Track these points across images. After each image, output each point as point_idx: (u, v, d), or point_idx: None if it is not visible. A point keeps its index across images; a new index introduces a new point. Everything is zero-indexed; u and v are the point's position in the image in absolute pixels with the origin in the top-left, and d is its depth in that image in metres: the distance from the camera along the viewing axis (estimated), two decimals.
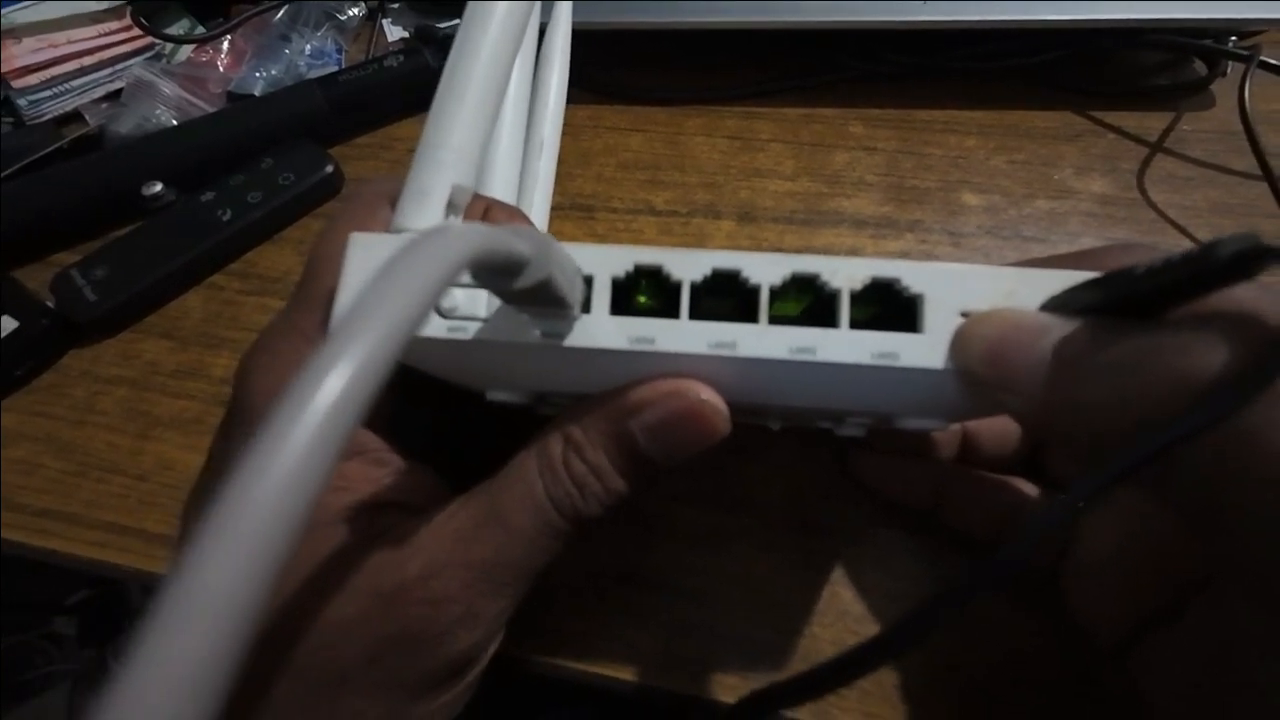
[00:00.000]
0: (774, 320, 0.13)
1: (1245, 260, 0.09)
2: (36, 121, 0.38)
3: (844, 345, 0.13)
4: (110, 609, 0.92)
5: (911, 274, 0.13)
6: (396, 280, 0.07)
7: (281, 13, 0.40)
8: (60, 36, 0.39)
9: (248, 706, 0.14)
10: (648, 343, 0.13)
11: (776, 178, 0.32)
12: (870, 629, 0.20)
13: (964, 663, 0.19)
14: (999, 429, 0.21)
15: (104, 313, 0.28)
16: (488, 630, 0.16)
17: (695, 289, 0.13)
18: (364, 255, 0.14)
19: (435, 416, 0.19)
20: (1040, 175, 0.31)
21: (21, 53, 0.38)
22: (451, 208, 0.15)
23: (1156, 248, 0.14)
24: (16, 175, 0.33)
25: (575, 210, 0.31)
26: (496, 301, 0.13)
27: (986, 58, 0.34)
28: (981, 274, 0.13)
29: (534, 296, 0.11)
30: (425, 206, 0.15)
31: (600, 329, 0.13)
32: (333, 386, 0.07)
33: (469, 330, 0.13)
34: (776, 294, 0.13)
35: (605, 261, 0.13)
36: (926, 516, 0.21)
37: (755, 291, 0.13)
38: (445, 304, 0.13)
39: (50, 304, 0.28)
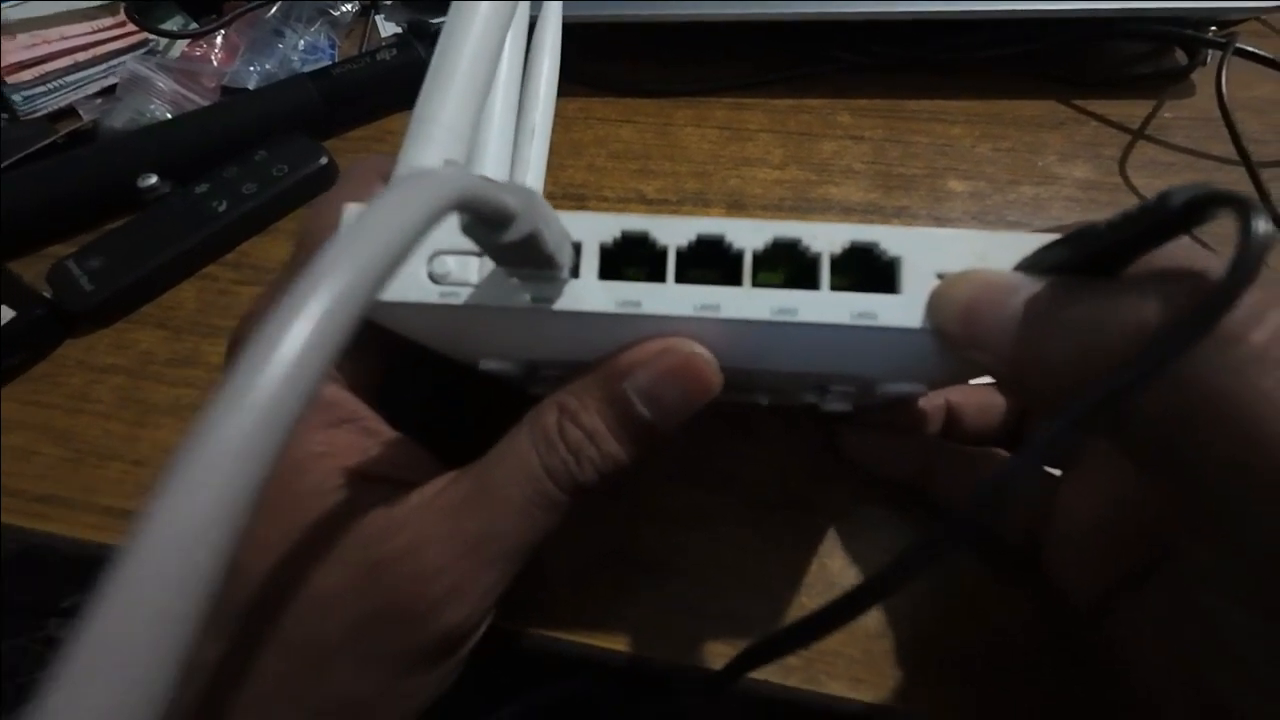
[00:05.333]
0: (758, 285, 0.13)
1: (1197, 206, 0.10)
2: (31, 117, 0.38)
3: (825, 306, 0.13)
4: None
5: (889, 238, 0.13)
6: (380, 215, 0.07)
7: (275, 8, 0.40)
8: (54, 33, 0.40)
9: (232, 678, 0.14)
10: (635, 305, 0.13)
11: (765, 166, 0.32)
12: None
13: (947, 635, 0.20)
14: (982, 403, 0.21)
15: (99, 303, 0.28)
16: (477, 605, 0.15)
17: (681, 256, 0.13)
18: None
19: (428, 393, 0.20)
20: (1025, 162, 0.31)
21: (15, 49, 0.39)
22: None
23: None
24: (12, 169, 0.33)
25: (567, 199, 0.32)
26: (487, 269, 0.14)
27: (972, 48, 0.34)
28: (956, 237, 0.13)
29: (523, 255, 0.11)
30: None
31: (589, 293, 0.13)
32: (313, 311, 0.06)
33: (461, 295, 0.13)
34: (760, 260, 0.13)
35: (593, 228, 0.14)
36: (912, 491, 0.21)
37: (739, 257, 0.13)
38: (438, 270, 0.14)
39: (47, 294, 0.28)
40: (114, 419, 0.26)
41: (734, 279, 0.13)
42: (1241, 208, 0.10)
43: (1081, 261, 0.12)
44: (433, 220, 0.08)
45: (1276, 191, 0.28)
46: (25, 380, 0.27)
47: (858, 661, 0.20)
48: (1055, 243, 0.12)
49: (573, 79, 0.37)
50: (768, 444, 0.23)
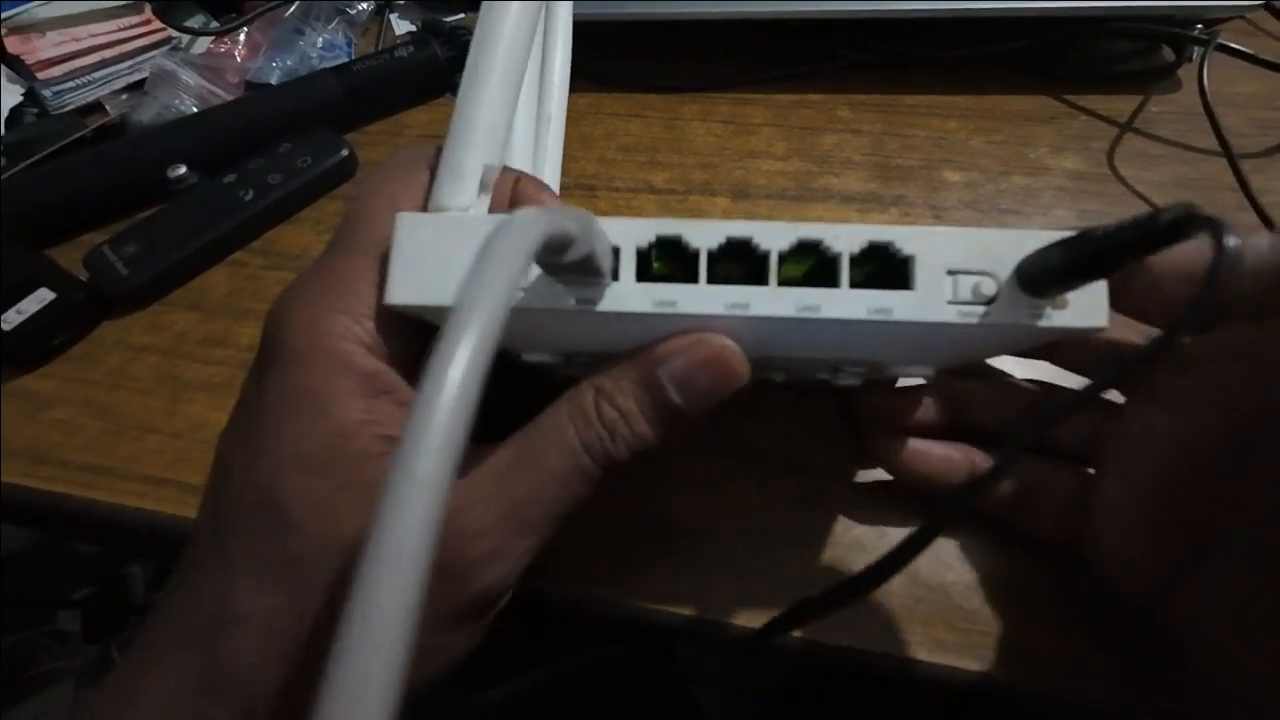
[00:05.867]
0: (782, 282, 0.14)
1: (1182, 225, 0.12)
2: (60, 112, 0.40)
3: (845, 303, 0.14)
4: (114, 605, 0.92)
5: (903, 238, 0.14)
6: (492, 268, 0.10)
7: (294, 7, 0.42)
8: (82, 30, 0.41)
9: (285, 628, 0.15)
10: (670, 305, 0.15)
11: (769, 158, 0.34)
12: (859, 557, 0.22)
13: (945, 583, 0.21)
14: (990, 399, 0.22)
15: (135, 286, 0.30)
16: (514, 567, 0.16)
17: (711, 256, 0.15)
18: (411, 234, 0.15)
19: None
20: (1017, 154, 0.33)
21: (45, 46, 0.40)
22: (483, 186, 0.17)
23: None
24: (45, 161, 0.35)
25: (579, 189, 0.33)
26: (534, 274, 0.15)
27: (967, 45, 0.36)
28: (966, 235, 0.15)
29: (575, 268, 0.13)
30: (461, 187, 0.16)
31: (629, 294, 0.15)
32: (463, 357, 0.09)
33: (513, 300, 0.15)
34: (783, 258, 0.15)
35: (631, 234, 0.15)
36: None
37: (765, 257, 0.14)
38: None
39: (84, 278, 0.30)
40: (152, 395, 0.27)
41: (760, 273, 0.15)
42: (1215, 229, 0.12)
43: (1080, 261, 0.13)
44: (528, 264, 0.10)
45: (1258, 182, 0.30)
46: (66, 359, 0.29)
47: (854, 613, 0.21)
48: (1057, 243, 0.14)
49: (584, 76, 0.39)
50: (774, 415, 0.25)
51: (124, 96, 0.41)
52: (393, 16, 0.44)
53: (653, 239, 0.15)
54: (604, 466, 0.16)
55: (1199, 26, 0.35)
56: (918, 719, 0.37)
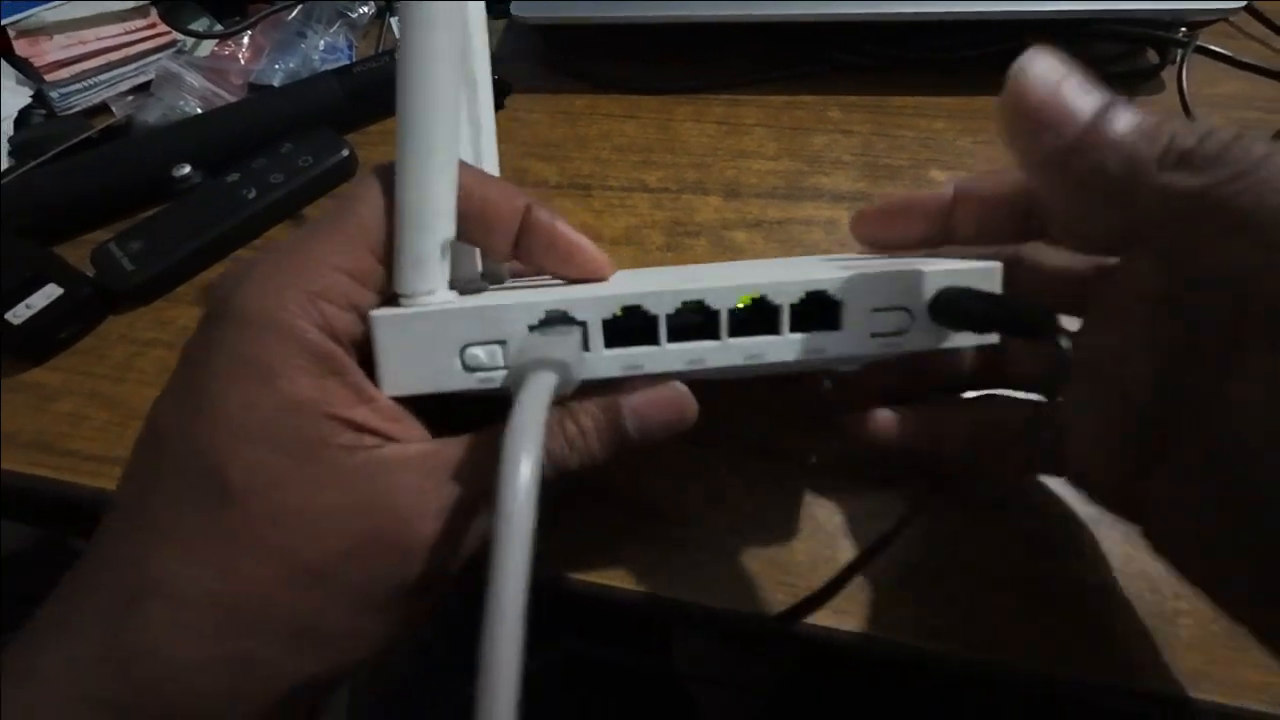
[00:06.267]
0: (731, 319, 0.17)
1: (1038, 329, 0.15)
2: (67, 113, 0.40)
3: (785, 348, 0.17)
4: None
5: (833, 286, 0.17)
6: (524, 428, 0.14)
7: (296, 11, 0.43)
8: (89, 34, 0.42)
9: (220, 597, 0.15)
10: (638, 367, 0.17)
11: (760, 158, 0.35)
12: (837, 540, 0.22)
13: (922, 562, 0.22)
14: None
15: (140, 282, 0.30)
16: (463, 552, 0.17)
17: (669, 318, 0.17)
18: (388, 332, 0.17)
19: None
20: (1003, 153, 0.33)
21: (53, 49, 0.41)
22: (443, 255, 0.17)
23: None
24: (53, 161, 0.36)
25: (574, 189, 0.34)
26: (512, 351, 0.17)
27: (956, 49, 0.37)
28: (888, 278, 0.17)
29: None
30: (425, 273, 0.17)
31: (600, 362, 0.17)
32: (522, 486, 0.13)
33: (495, 380, 0.17)
34: (732, 312, 0.17)
35: (596, 307, 0.17)
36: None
37: (716, 314, 0.17)
38: (470, 361, 0.17)
39: (91, 275, 0.31)
40: (156, 387, 0.27)
41: (713, 326, 0.17)
42: (1055, 342, 0.15)
43: (972, 320, 0.17)
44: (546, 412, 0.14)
45: None
46: (73, 353, 0.29)
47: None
48: (962, 293, 0.17)
49: (580, 78, 0.39)
50: (752, 402, 0.25)
51: (130, 98, 0.42)
52: (393, 20, 0.45)
53: (618, 310, 0.17)
54: (555, 473, 0.17)
55: (1183, 30, 0.36)
56: (915, 718, 0.37)
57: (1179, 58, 0.33)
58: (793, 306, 0.17)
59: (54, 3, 0.42)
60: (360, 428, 0.16)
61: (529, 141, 0.37)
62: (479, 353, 0.17)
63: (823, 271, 0.17)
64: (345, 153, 0.35)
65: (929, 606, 0.21)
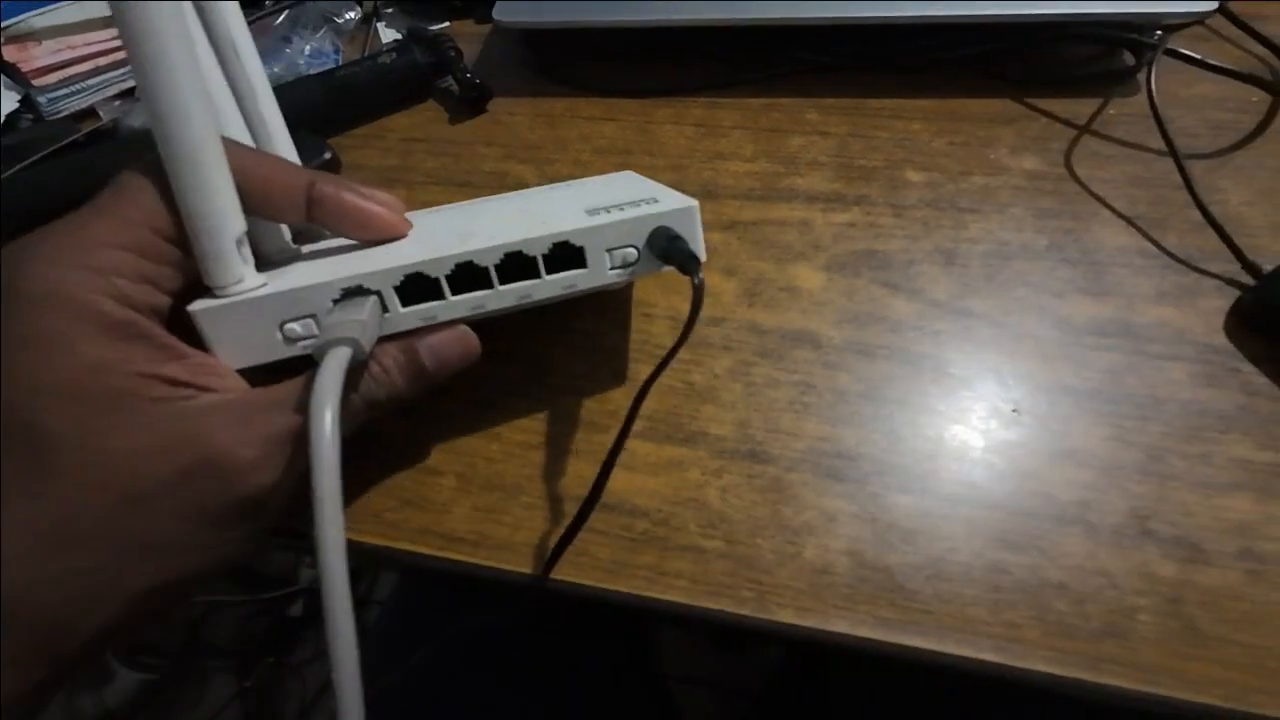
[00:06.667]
0: (499, 271, 0.20)
1: (686, 262, 0.20)
2: (55, 117, 0.41)
3: (545, 287, 0.21)
4: None
5: (574, 235, 0.21)
6: (324, 396, 0.17)
7: (283, 16, 0.43)
8: (78, 39, 0.42)
9: (57, 522, 0.16)
10: (432, 318, 0.21)
11: (737, 159, 0.35)
12: (809, 540, 0.23)
13: (889, 564, 0.22)
14: None
15: None
16: (281, 480, 0.19)
17: (447, 277, 0.20)
18: (211, 323, 0.19)
19: None
20: (977, 155, 0.34)
21: (42, 54, 0.42)
22: (239, 245, 0.19)
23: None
24: (39, 164, 0.36)
25: None
26: (322, 322, 0.20)
27: (932, 51, 0.37)
28: (615, 224, 0.21)
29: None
30: (227, 265, 0.19)
31: (401, 319, 0.20)
32: (327, 425, 0.17)
33: (310, 345, 0.20)
34: (498, 267, 0.20)
35: (385, 278, 0.20)
36: (860, 445, 0.24)
37: (487, 270, 0.20)
38: (290, 335, 0.20)
39: None
40: None
41: (486, 278, 0.21)
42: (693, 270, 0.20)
43: (667, 251, 0.21)
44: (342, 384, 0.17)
45: (1209, 179, 0.31)
46: None
47: (804, 593, 0.22)
48: (668, 234, 0.21)
49: (560, 80, 0.40)
50: (729, 404, 0.25)
51: (117, 102, 0.42)
52: (380, 25, 0.46)
53: (401, 279, 0.20)
54: (367, 405, 0.20)
55: (1158, 33, 0.36)
56: (900, 717, 0.37)
57: (1160, 61, 0.33)
58: (544, 256, 0.21)
59: (44, 8, 0.43)
60: (174, 382, 0.18)
61: (509, 144, 0.37)
62: (295, 327, 0.20)
63: (567, 222, 0.21)
64: (327, 155, 0.36)
65: (886, 600, 0.22)
